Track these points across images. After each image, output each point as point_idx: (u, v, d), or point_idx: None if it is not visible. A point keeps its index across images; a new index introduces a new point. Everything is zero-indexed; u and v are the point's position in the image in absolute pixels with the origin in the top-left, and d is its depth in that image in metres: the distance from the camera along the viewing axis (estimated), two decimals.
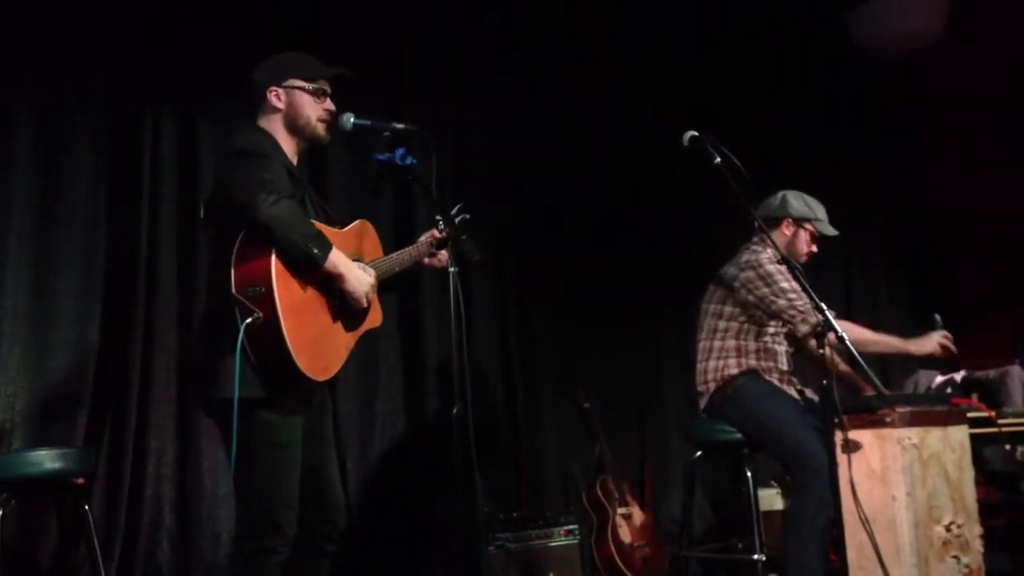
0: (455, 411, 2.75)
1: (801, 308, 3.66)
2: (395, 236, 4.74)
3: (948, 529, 3.30)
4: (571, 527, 4.35)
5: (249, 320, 2.50)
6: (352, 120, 2.91)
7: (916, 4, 5.91)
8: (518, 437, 5.02)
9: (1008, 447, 4.67)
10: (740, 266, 3.83)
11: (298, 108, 2.85)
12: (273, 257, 2.54)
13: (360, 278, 2.72)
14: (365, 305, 2.78)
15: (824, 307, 3.22)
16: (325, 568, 2.86)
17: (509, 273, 5.18)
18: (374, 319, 2.94)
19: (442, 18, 5.11)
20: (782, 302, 3.70)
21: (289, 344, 2.51)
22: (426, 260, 3.10)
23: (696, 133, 3.39)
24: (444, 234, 3.02)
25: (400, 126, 2.92)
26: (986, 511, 3.58)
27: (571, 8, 5.43)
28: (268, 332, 2.51)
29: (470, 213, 3.15)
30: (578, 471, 4.99)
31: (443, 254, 3.08)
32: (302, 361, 2.55)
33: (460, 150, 5.10)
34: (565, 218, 5.31)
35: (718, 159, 3.31)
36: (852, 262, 6.34)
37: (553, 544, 4.28)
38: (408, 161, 2.90)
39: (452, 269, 2.85)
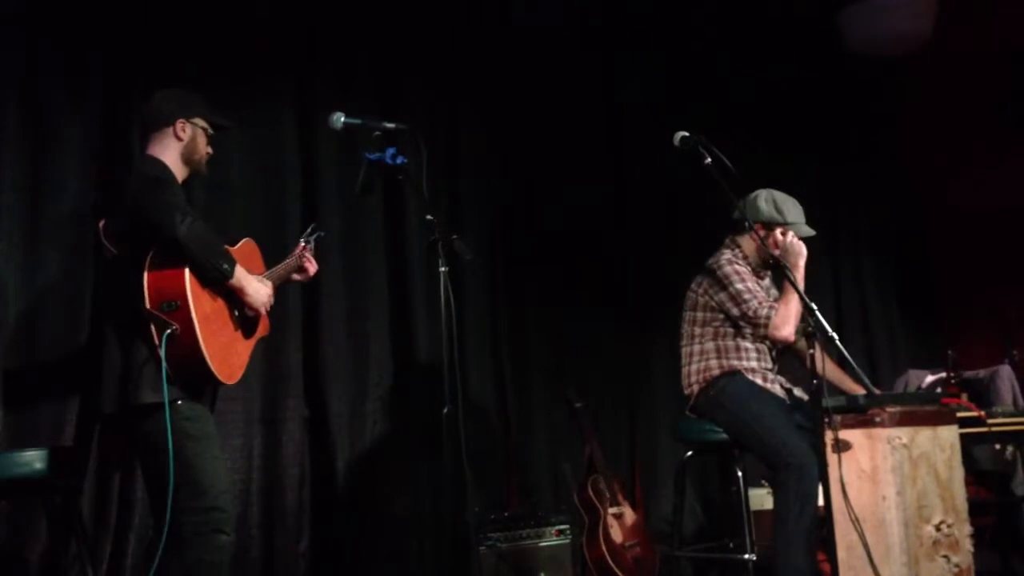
0: (446, 411, 2.76)
1: (752, 315, 3.71)
2: (385, 235, 4.75)
3: (938, 528, 3.31)
4: (562, 527, 4.35)
5: (168, 332, 2.71)
6: (342, 119, 2.94)
7: (905, 4, 5.93)
8: (509, 437, 5.02)
9: (997, 447, 4.69)
10: (704, 270, 3.90)
11: (196, 144, 3.11)
12: (187, 272, 2.77)
13: (260, 290, 3.02)
14: (263, 314, 3.09)
15: (814, 307, 3.23)
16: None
17: (500, 273, 5.18)
18: (264, 328, 3.20)
19: (436, 17, 5.11)
20: (735, 311, 3.78)
21: (205, 352, 2.76)
22: (294, 276, 3.40)
23: (687, 133, 3.41)
24: (305, 250, 3.37)
25: (391, 125, 2.95)
26: (976, 510, 3.59)
27: (565, 7, 5.43)
28: (185, 342, 2.74)
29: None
30: (569, 471, 4.98)
31: (310, 270, 3.39)
32: (216, 367, 2.81)
33: (452, 150, 5.10)
34: (557, 218, 5.31)
35: (708, 159, 3.32)
36: (841, 262, 6.34)
37: (544, 544, 4.28)
38: (398, 160, 2.93)
39: (443, 268, 2.86)
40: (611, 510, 4.55)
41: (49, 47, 4.07)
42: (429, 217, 3.02)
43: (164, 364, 2.70)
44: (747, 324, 3.79)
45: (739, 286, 3.77)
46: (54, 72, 4.08)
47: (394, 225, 4.77)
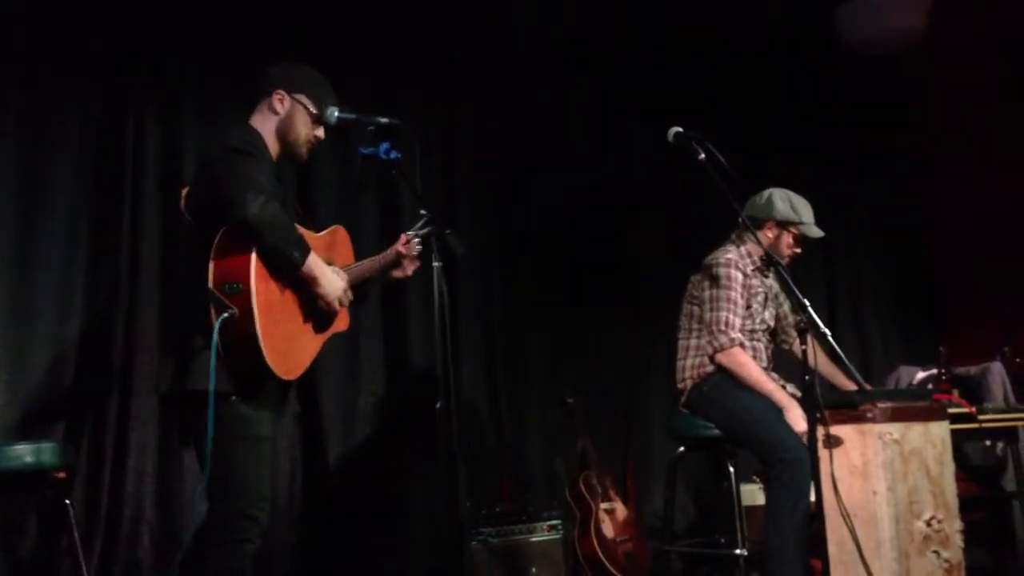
0: (439, 405, 2.74)
1: (721, 328, 3.72)
2: (380, 231, 4.74)
3: (928, 524, 3.32)
4: (554, 522, 4.35)
5: (225, 315, 2.54)
6: (336, 114, 2.91)
7: (900, 2, 5.93)
8: (502, 432, 5.02)
9: (988, 443, 4.70)
10: (703, 264, 3.88)
11: (293, 122, 2.88)
12: (253, 256, 2.57)
13: (334, 282, 2.78)
14: (337, 309, 2.84)
15: (807, 303, 3.23)
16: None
17: (495, 269, 5.18)
18: (341, 323, 2.99)
19: (432, 14, 5.09)
20: (709, 315, 3.79)
21: (261, 342, 2.55)
22: (393, 272, 3.16)
23: (681, 129, 3.40)
24: (408, 247, 3.10)
25: (385, 120, 2.91)
26: (966, 506, 3.61)
27: (561, 5, 5.42)
28: (242, 329, 2.55)
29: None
30: (561, 466, 4.99)
31: (408, 267, 3.15)
32: (272, 359, 2.59)
33: (448, 146, 5.10)
34: (551, 215, 5.31)
35: (702, 155, 3.32)
36: (834, 258, 6.36)
37: (536, 539, 4.29)
38: (392, 155, 2.89)
39: (436, 264, 2.84)
40: (603, 505, 4.55)
41: (47, 45, 4.07)
42: (423, 212, 3.00)
43: (214, 347, 2.52)
44: (705, 328, 3.79)
45: (725, 292, 3.76)
46: (51, 71, 4.08)
47: (388, 220, 4.76)
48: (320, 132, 2.93)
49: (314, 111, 2.89)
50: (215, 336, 2.53)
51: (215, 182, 2.63)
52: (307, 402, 4.44)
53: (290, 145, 2.89)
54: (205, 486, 2.64)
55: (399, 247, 3.12)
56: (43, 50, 4.07)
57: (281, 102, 2.87)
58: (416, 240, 3.14)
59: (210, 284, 2.56)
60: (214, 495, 2.69)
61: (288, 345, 2.70)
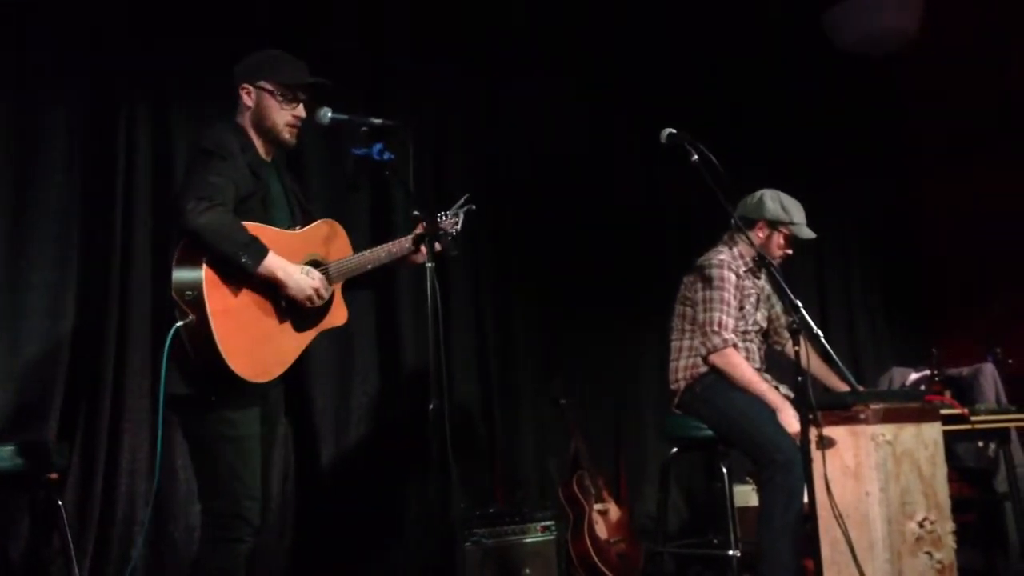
0: (431, 406, 2.74)
1: (714, 328, 3.72)
2: (372, 231, 4.74)
3: (921, 525, 3.33)
4: (547, 523, 4.35)
5: (181, 323, 2.57)
6: (329, 115, 2.91)
7: (891, 3, 5.95)
8: (494, 433, 5.02)
9: (981, 444, 4.72)
10: (696, 265, 3.88)
11: (264, 110, 2.89)
12: (204, 264, 2.58)
13: (300, 282, 2.73)
14: (309, 307, 2.79)
15: (799, 304, 3.24)
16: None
17: (487, 270, 5.18)
18: (335, 318, 2.95)
19: (424, 14, 5.09)
20: (702, 316, 3.78)
21: (221, 348, 2.56)
22: (412, 256, 3.10)
23: (674, 130, 3.40)
24: (425, 229, 3.01)
25: (378, 121, 2.92)
26: (958, 507, 3.61)
27: (554, 7, 5.42)
28: (201, 336, 2.57)
29: (448, 208, 3.17)
30: (554, 467, 4.99)
31: (417, 258, 3.10)
32: (236, 364, 2.59)
33: (440, 147, 5.09)
34: (544, 215, 5.31)
35: (695, 156, 3.32)
36: (826, 259, 6.37)
37: (529, 540, 4.28)
38: (385, 156, 2.89)
39: (429, 264, 2.84)
40: (596, 506, 4.55)
41: (38, 44, 4.05)
42: (415, 213, 3.00)
43: (166, 354, 2.57)
44: (699, 329, 3.79)
45: (718, 293, 3.77)
46: (43, 71, 4.06)
47: (380, 221, 4.76)
48: (299, 111, 2.92)
49: (280, 94, 2.88)
50: (167, 343, 2.56)
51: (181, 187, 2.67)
52: (299, 402, 4.43)
53: (269, 133, 2.89)
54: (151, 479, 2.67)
55: (420, 230, 3.04)
56: (34, 49, 4.05)
57: (248, 95, 2.89)
58: (454, 220, 3.19)
59: (171, 292, 2.59)
60: (204, 496, 2.73)
61: (256, 348, 2.68)
